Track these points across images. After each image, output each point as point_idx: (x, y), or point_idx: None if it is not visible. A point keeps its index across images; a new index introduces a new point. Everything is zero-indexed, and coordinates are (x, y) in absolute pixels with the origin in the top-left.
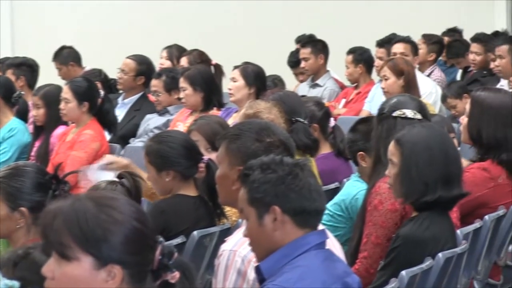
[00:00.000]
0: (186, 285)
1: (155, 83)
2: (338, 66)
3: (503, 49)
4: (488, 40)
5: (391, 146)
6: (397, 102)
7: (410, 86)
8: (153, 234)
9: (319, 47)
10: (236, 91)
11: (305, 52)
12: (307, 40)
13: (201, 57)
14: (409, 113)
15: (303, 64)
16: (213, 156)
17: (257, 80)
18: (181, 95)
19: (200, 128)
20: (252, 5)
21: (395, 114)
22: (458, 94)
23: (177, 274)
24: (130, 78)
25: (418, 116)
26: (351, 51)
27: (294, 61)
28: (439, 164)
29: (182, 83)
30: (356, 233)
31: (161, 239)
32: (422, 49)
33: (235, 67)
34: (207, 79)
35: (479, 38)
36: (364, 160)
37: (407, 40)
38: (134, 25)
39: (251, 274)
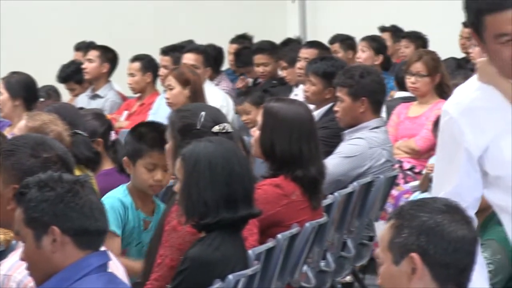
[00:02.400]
0: None
1: None
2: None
3: (310, 52)
4: (274, 49)
5: (178, 162)
6: (213, 116)
7: (197, 97)
8: None
9: (109, 55)
10: (3, 105)
11: (93, 54)
12: (98, 45)
13: None
14: (228, 127)
15: (85, 65)
16: None
17: (23, 90)
18: None
19: None
20: (27, 10)
21: (215, 129)
22: (257, 103)
23: None
24: None
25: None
26: (138, 58)
27: (63, 77)
28: (221, 184)
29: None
30: (151, 252)
31: None
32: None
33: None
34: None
35: (263, 48)
36: (128, 166)
37: (200, 50)
38: None
39: None
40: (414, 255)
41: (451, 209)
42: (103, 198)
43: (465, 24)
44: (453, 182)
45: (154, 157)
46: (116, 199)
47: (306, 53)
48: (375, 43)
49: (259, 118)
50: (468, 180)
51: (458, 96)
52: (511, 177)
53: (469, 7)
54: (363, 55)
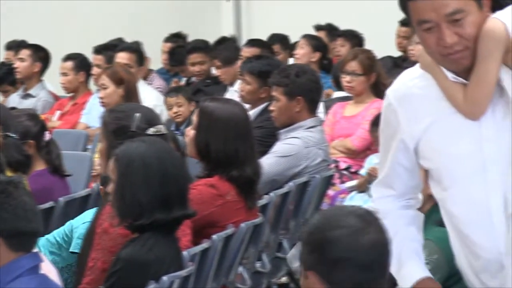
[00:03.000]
0: None
1: None
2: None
3: (252, 51)
4: (208, 48)
5: (111, 162)
6: (147, 118)
7: (131, 96)
8: None
9: (40, 55)
10: None
11: (24, 53)
12: (29, 44)
13: None
14: (163, 128)
15: (16, 64)
16: None
17: None
18: None
19: None
20: None
21: (151, 132)
22: (190, 99)
23: None
24: None
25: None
26: (71, 57)
27: None
28: (156, 184)
29: None
30: (83, 255)
31: None
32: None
33: None
34: None
35: (198, 47)
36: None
37: (133, 48)
38: None
39: None
40: (310, 272)
41: (360, 219)
42: (79, 220)
43: (402, 23)
44: (385, 170)
45: None
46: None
47: (247, 52)
48: (314, 41)
49: (194, 118)
50: (398, 169)
51: (398, 82)
52: (440, 170)
53: None
54: (301, 51)
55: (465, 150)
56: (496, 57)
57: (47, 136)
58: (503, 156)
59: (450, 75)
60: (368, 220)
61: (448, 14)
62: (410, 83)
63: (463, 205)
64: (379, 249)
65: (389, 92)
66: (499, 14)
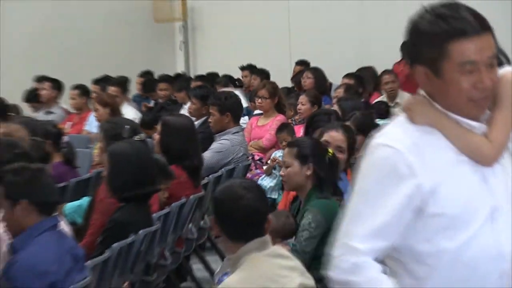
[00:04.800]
0: None
1: None
2: None
3: (198, 83)
4: (170, 79)
5: (106, 155)
6: (133, 128)
7: (115, 113)
8: None
9: (56, 85)
10: None
11: (47, 84)
12: (49, 78)
13: None
14: (144, 136)
15: (41, 92)
16: None
17: None
18: None
19: None
20: None
21: (137, 138)
22: (151, 124)
23: None
24: None
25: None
26: (78, 87)
27: (30, 97)
28: (136, 170)
29: None
30: (88, 216)
31: None
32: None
33: None
34: None
35: (165, 78)
36: None
37: (119, 82)
38: None
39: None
40: (213, 221)
41: (242, 188)
42: None
43: (296, 63)
44: (380, 218)
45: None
46: None
47: (195, 84)
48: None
49: (159, 127)
50: (398, 219)
51: (395, 134)
52: (455, 216)
53: (429, 36)
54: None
55: (476, 199)
56: None
57: (64, 138)
58: (508, 205)
59: (475, 124)
60: (250, 190)
61: (490, 57)
62: (413, 134)
63: (478, 254)
64: (251, 212)
65: (388, 141)
66: None
